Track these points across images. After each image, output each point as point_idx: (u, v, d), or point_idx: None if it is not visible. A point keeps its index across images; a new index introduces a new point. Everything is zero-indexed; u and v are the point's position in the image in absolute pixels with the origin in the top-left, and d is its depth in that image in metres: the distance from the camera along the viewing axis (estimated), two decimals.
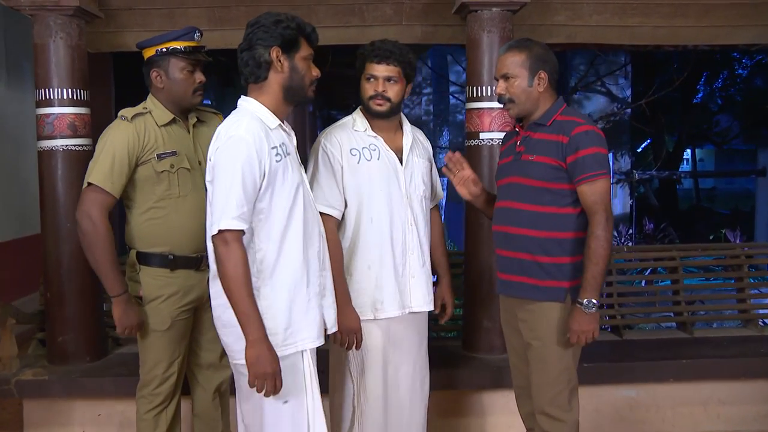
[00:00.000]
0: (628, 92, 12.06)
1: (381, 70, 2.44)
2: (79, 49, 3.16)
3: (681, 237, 10.82)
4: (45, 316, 3.26)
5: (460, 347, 3.46)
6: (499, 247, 2.52)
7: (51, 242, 3.16)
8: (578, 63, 11.99)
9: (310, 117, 10.31)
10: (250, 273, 2.00)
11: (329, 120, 15.90)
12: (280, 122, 2.14)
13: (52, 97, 3.10)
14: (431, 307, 2.62)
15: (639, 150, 16.73)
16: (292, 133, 2.24)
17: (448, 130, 14.48)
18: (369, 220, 2.45)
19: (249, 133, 2.00)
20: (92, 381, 3.10)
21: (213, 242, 1.99)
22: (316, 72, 2.18)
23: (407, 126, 2.59)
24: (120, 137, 2.42)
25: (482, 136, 3.22)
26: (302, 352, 2.10)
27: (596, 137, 2.31)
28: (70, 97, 3.11)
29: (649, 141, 14.70)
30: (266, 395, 1.98)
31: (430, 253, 2.61)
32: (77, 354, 3.21)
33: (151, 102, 2.54)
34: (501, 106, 2.51)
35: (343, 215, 2.46)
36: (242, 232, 1.98)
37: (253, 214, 2.02)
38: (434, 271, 2.67)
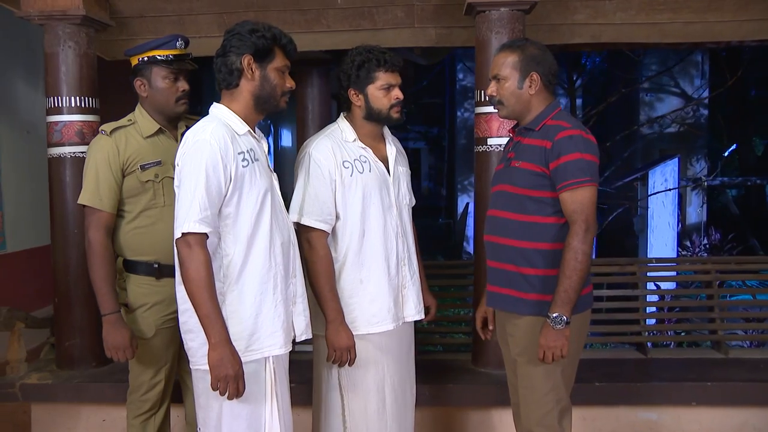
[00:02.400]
0: (705, 92, 11.60)
1: (397, 77, 2.47)
2: (87, 57, 3.31)
3: (765, 248, 10.35)
4: (53, 321, 3.42)
5: (469, 362, 3.43)
6: (487, 257, 2.50)
7: (59, 248, 3.32)
8: (649, 62, 11.67)
9: None
10: (214, 277, 2.07)
11: None
12: (249, 128, 2.20)
13: (61, 105, 3.26)
14: (422, 315, 2.64)
15: (725, 155, 16.08)
16: (264, 140, 2.30)
17: None
18: (362, 234, 2.45)
19: (214, 137, 2.06)
20: (93, 386, 3.24)
21: (177, 246, 2.07)
22: (290, 83, 2.23)
23: (388, 134, 2.60)
24: (99, 153, 2.52)
25: (490, 141, 3.19)
26: (266, 359, 2.15)
27: (582, 142, 2.26)
28: (79, 104, 3.26)
29: (735, 146, 14.12)
30: (229, 398, 2.04)
31: None
32: (83, 359, 3.35)
33: (138, 112, 2.64)
34: None
35: (334, 230, 2.45)
36: (205, 235, 2.05)
37: (219, 219, 2.10)
38: None
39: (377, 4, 3.50)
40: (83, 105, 3.28)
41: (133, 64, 2.60)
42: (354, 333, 2.43)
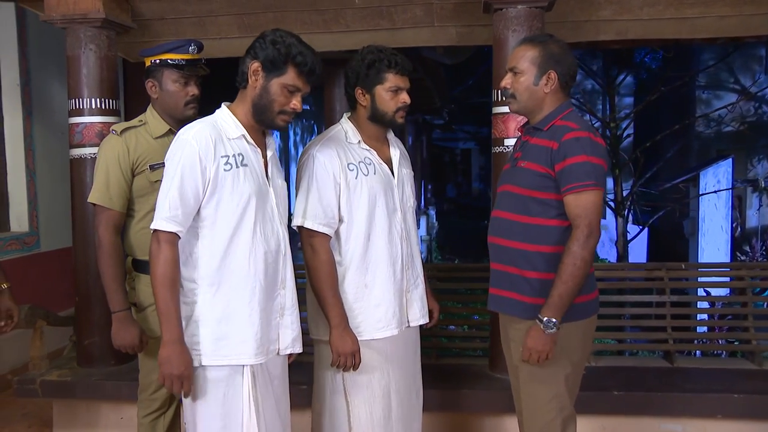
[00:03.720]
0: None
1: (406, 81, 2.48)
2: (108, 59, 3.42)
3: None
4: (75, 319, 3.55)
5: (486, 367, 3.43)
6: (491, 259, 2.50)
7: (80, 248, 3.45)
8: (707, 58, 11.37)
9: None
10: (189, 278, 2.14)
11: (424, 125, 15.94)
12: (244, 133, 2.20)
13: (82, 107, 3.38)
14: (427, 319, 2.64)
15: None
16: (271, 149, 2.30)
17: None
18: (367, 238, 2.46)
19: (195, 138, 2.10)
20: (110, 384, 3.35)
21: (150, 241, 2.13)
22: (294, 105, 2.20)
23: (392, 136, 2.61)
24: (110, 152, 2.61)
25: (507, 142, 3.19)
26: (243, 367, 2.16)
27: (588, 145, 2.24)
28: (99, 106, 3.38)
29: None
30: (184, 396, 2.12)
31: None
32: (103, 357, 3.47)
33: (149, 113, 2.72)
34: None
35: (338, 233, 2.47)
36: (175, 234, 2.09)
37: (198, 220, 2.14)
38: None
39: (395, 3, 3.50)
40: (104, 107, 3.39)
41: (146, 65, 2.67)
42: (359, 338, 2.44)
